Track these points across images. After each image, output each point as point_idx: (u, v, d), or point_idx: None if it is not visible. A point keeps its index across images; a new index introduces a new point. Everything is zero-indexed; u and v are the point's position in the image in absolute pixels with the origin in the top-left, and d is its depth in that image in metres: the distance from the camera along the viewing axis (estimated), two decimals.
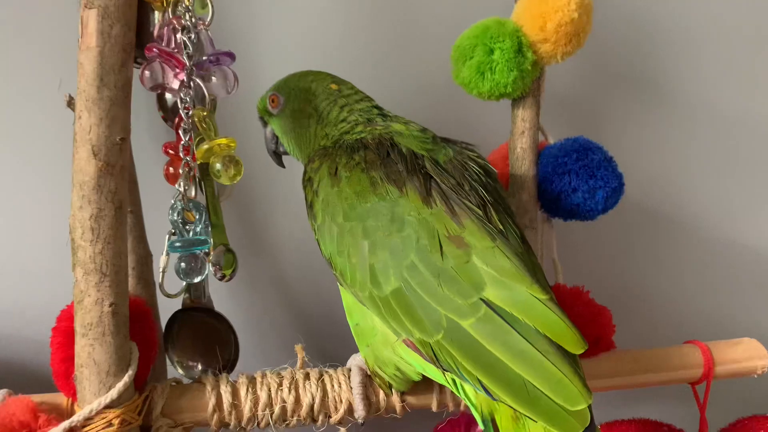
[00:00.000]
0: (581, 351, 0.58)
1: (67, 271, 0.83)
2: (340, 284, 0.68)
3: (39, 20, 0.89)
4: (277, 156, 0.82)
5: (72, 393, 0.67)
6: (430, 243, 0.61)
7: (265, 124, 0.80)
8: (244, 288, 0.90)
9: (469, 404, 0.63)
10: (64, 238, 0.85)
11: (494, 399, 0.59)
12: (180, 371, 0.75)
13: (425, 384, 0.72)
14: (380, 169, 0.66)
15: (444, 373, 0.63)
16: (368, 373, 0.73)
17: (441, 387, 0.74)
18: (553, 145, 0.89)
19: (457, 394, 0.64)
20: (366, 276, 0.63)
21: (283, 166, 0.82)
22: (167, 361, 0.78)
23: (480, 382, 0.59)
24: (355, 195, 0.65)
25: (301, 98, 0.75)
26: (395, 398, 0.73)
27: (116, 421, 0.64)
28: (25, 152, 0.87)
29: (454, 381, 0.63)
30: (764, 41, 1.05)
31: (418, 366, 0.65)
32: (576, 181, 0.85)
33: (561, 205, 0.86)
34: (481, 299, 0.59)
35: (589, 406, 0.57)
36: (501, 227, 0.65)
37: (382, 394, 0.73)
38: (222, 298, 0.80)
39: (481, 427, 0.62)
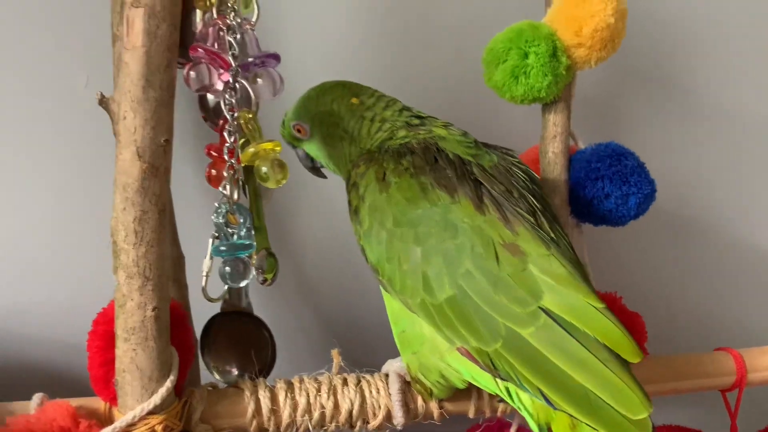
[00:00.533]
0: (638, 360, 0.58)
1: (98, 273, 0.82)
2: (386, 291, 0.67)
3: (65, 18, 0.87)
4: (316, 170, 0.81)
5: (111, 398, 0.66)
6: (486, 250, 0.61)
7: (293, 146, 0.80)
8: (275, 294, 0.90)
9: (524, 413, 0.63)
10: (96, 239, 0.84)
11: (555, 408, 0.59)
12: (216, 376, 0.74)
13: (463, 390, 0.71)
14: (430, 175, 0.65)
15: (497, 382, 0.63)
16: (407, 379, 0.72)
17: (479, 393, 0.74)
18: (585, 150, 0.89)
19: (511, 403, 0.64)
20: (418, 283, 0.63)
21: (326, 177, 0.82)
22: (201, 365, 0.77)
23: (540, 391, 0.58)
24: (406, 201, 0.64)
25: (326, 123, 0.74)
26: (433, 404, 0.73)
27: (159, 428, 0.63)
28: (60, 152, 0.86)
29: (507, 389, 0.63)
30: None
31: (467, 374, 0.65)
32: (609, 186, 0.84)
33: (593, 210, 0.86)
34: (539, 308, 0.59)
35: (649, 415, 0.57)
36: (552, 235, 0.65)
37: (420, 401, 0.73)
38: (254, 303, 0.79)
39: None
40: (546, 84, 0.83)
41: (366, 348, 0.91)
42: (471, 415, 0.74)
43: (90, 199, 0.87)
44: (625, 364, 0.58)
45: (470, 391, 0.73)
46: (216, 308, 0.78)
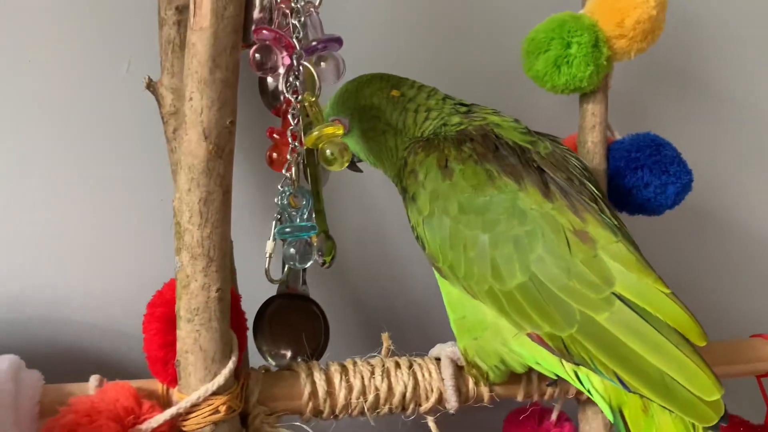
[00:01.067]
0: (704, 344, 0.60)
1: (131, 261, 0.82)
2: (445, 278, 0.68)
3: (105, 2, 0.87)
4: (352, 164, 0.81)
5: (170, 380, 0.66)
6: (557, 237, 0.62)
7: None
8: (322, 277, 0.90)
9: (596, 396, 0.64)
10: (141, 226, 0.84)
11: (630, 391, 0.60)
12: (269, 360, 0.74)
13: (514, 374, 0.72)
14: (494, 162, 0.66)
15: (564, 366, 0.64)
16: (459, 363, 0.73)
17: (529, 377, 0.75)
18: (623, 140, 0.90)
19: (580, 388, 0.65)
20: (486, 270, 0.63)
21: (362, 171, 0.82)
22: (250, 349, 0.77)
23: (616, 374, 0.60)
24: (472, 188, 0.65)
25: (367, 117, 0.74)
26: (484, 388, 0.73)
27: (223, 408, 0.63)
28: (97, 135, 0.86)
29: (576, 374, 0.64)
30: None
31: (531, 359, 0.66)
32: (649, 176, 0.86)
33: (632, 199, 0.87)
34: (612, 293, 0.60)
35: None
36: (615, 222, 0.66)
37: (471, 384, 0.73)
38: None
39: (609, 418, 0.63)
40: (588, 74, 0.84)
41: (408, 333, 0.92)
42: (520, 398, 0.75)
43: (130, 187, 0.86)
44: (694, 347, 0.60)
45: (521, 375, 0.74)
46: (258, 294, 0.78)
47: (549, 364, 0.65)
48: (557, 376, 0.67)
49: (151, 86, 0.76)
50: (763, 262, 1.10)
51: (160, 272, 0.72)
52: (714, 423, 0.58)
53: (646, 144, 0.87)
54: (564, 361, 0.64)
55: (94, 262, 0.87)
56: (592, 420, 0.81)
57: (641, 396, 0.60)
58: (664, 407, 0.59)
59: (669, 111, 1.08)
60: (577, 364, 0.63)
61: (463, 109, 0.76)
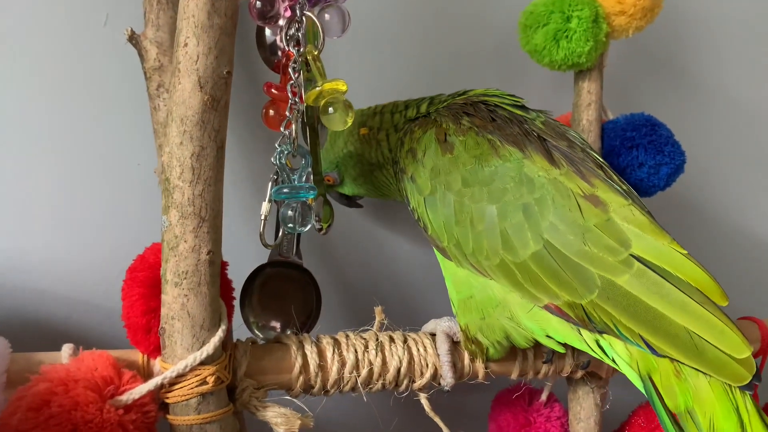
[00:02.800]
0: (726, 303, 0.58)
1: (100, 226, 0.76)
2: (450, 258, 0.65)
3: None
4: (353, 202, 0.83)
5: (152, 349, 0.61)
6: (568, 203, 0.60)
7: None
8: (314, 246, 0.86)
9: (622, 365, 0.61)
10: (117, 191, 0.78)
11: (658, 355, 0.58)
12: (255, 332, 0.70)
13: (509, 351, 0.70)
14: (495, 132, 0.64)
15: (582, 337, 0.61)
16: (455, 339, 0.70)
17: (525, 355, 0.72)
18: (618, 120, 0.89)
19: (602, 358, 0.62)
20: (497, 242, 0.61)
21: (362, 206, 0.84)
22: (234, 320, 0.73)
23: (642, 339, 0.58)
24: (475, 159, 0.63)
25: (349, 165, 0.76)
26: (479, 365, 0.71)
27: (211, 379, 0.59)
28: (74, 93, 0.79)
29: (598, 343, 0.62)
30: None
31: (541, 332, 0.63)
32: (644, 155, 0.85)
33: (625, 179, 0.86)
34: (630, 255, 0.58)
35: None
36: (624, 187, 0.64)
37: (467, 360, 0.71)
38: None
39: (638, 387, 0.61)
40: (587, 49, 0.82)
41: (405, 308, 0.89)
42: (514, 376, 0.73)
43: (106, 149, 0.81)
44: (718, 306, 0.58)
45: (516, 352, 0.72)
46: (243, 263, 0.74)
47: (563, 336, 0.63)
48: (572, 349, 0.64)
49: (134, 39, 0.71)
50: (748, 250, 1.11)
51: (136, 240, 0.67)
52: (747, 381, 0.57)
53: (641, 123, 0.86)
54: (583, 332, 0.61)
55: (64, 228, 0.81)
56: (582, 400, 0.80)
57: (671, 359, 0.58)
58: (695, 369, 0.57)
59: (654, 98, 1.07)
60: (600, 332, 0.61)
61: (427, 99, 0.75)
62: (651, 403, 0.61)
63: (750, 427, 0.57)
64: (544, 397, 0.81)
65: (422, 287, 0.91)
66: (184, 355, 0.58)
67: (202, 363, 0.58)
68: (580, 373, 0.76)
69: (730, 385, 0.57)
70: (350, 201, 0.82)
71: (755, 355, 0.83)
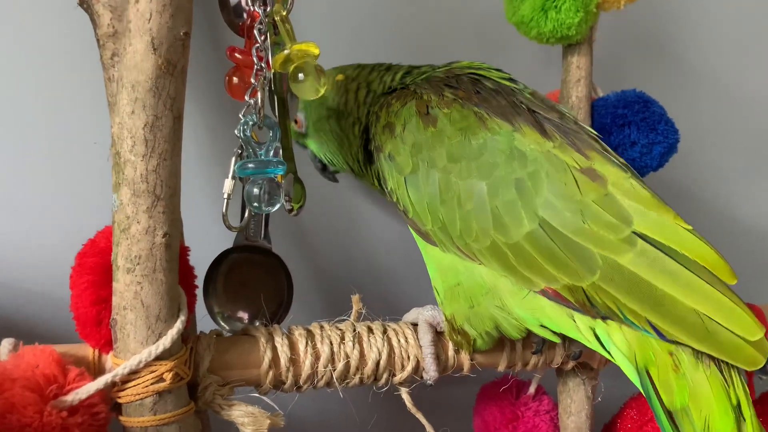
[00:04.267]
0: (734, 282, 0.54)
1: (54, 206, 0.70)
2: (434, 243, 0.60)
3: None
4: (327, 172, 0.77)
5: (103, 343, 0.55)
6: (563, 177, 0.55)
7: (304, 146, 0.75)
8: (284, 230, 0.80)
9: (618, 356, 0.57)
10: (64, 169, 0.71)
11: (667, 340, 0.53)
12: (221, 323, 0.64)
13: (497, 342, 0.65)
14: (481, 105, 0.59)
15: (578, 325, 0.56)
16: (439, 329, 0.65)
17: (513, 345, 0.68)
18: (608, 97, 0.84)
19: (597, 349, 0.58)
20: (487, 222, 0.56)
21: (337, 181, 0.78)
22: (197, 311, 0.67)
23: (650, 323, 0.53)
24: (461, 132, 0.57)
25: (315, 107, 0.70)
26: (465, 357, 0.66)
27: (168, 376, 0.53)
28: (22, 63, 0.72)
29: (595, 333, 0.57)
30: None
31: (535, 321, 0.58)
32: (636, 134, 0.80)
33: None
34: (633, 232, 0.54)
35: None
36: (622, 159, 0.59)
37: (451, 352, 0.66)
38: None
39: (633, 380, 0.56)
40: (577, 21, 0.77)
41: (384, 296, 0.84)
42: (502, 368, 0.68)
43: (57, 126, 0.74)
44: (727, 285, 0.54)
45: (504, 343, 0.67)
46: (208, 249, 0.68)
47: (557, 324, 0.58)
48: (565, 338, 0.59)
49: (85, 3, 0.64)
50: (736, 235, 1.08)
51: (93, 224, 0.61)
52: (762, 365, 0.52)
53: (633, 100, 0.82)
54: (577, 320, 0.57)
55: (12, 212, 0.74)
56: (573, 392, 0.75)
57: (678, 344, 0.54)
58: (702, 359, 0.53)
59: (642, 76, 1.03)
60: (604, 318, 0.56)
61: (405, 67, 0.71)
62: (647, 399, 0.56)
63: (750, 427, 0.53)
64: (532, 389, 0.77)
65: (404, 272, 0.85)
66: (137, 350, 0.52)
67: (158, 358, 0.52)
68: (571, 364, 0.71)
69: (729, 381, 0.53)
70: (324, 167, 0.76)
71: None
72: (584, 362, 0.73)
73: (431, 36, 0.90)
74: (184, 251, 0.61)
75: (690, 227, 0.56)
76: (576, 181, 0.55)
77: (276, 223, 0.69)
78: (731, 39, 1.04)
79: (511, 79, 0.67)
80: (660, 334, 0.53)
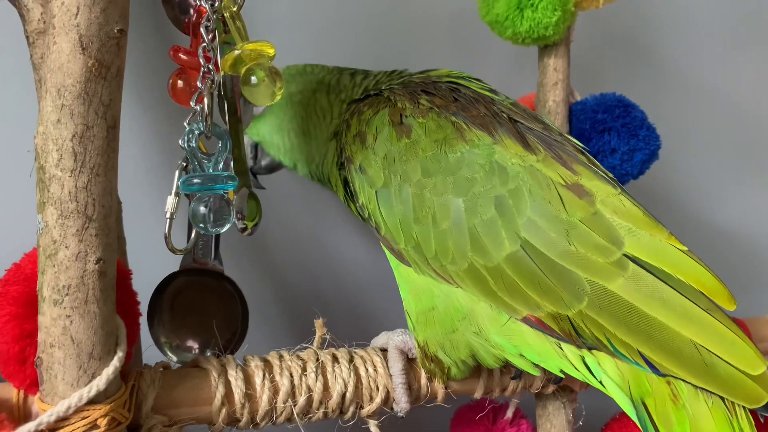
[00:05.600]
0: (734, 308, 0.50)
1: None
2: (407, 262, 0.55)
3: None
4: (260, 168, 0.70)
5: (28, 383, 0.49)
6: (547, 194, 0.50)
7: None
8: (240, 250, 0.73)
9: (611, 388, 0.52)
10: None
11: (661, 374, 0.49)
12: (169, 354, 0.57)
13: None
14: (459, 113, 0.54)
15: (565, 354, 0.51)
16: (410, 355, 0.60)
17: (489, 372, 0.63)
18: (586, 101, 0.80)
19: (589, 380, 0.53)
20: (465, 242, 0.51)
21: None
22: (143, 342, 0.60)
23: (642, 355, 0.48)
24: (437, 144, 0.52)
25: (296, 82, 0.65)
26: (439, 385, 0.61)
27: (103, 422, 0.46)
28: None
29: (584, 362, 0.52)
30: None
31: (514, 350, 0.53)
32: (617, 140, 0.76)
33: None
34: (624, 255, 0.49)
35: None
36: (610, 174, 0.55)
37: (423, 380, 0.60)
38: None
39: (629, 413, 0.51)
40: (555, 20, 0.73)
41: (352, 318, 0.78)
42: (478, 395, 0.63)
43: None
44: (725, 312, 0.50)
45: (480, 369, 0.62)
46: (155, 271, 0.61)
47: (539, 356, 0.53)
48: (561, 372, 0.54)
49: None
50: (713, 241, 1.05)
51: (19, 245, 0.54)
52: (765, 402, 0.48)
53: (613, 104, 0.78)
54: (565, 348, 0.52)
55: None
56: (553, 416, 0.71)
57: (674, 378, 0.49)
58: (703, 390, 0.48)
59: (620, 78, 1.00)
60: (590, 349, 0.51)
61: (403, 71, 0.66)
62: None
63: None
64: (509, 414, 0.72)
65: (373, 292, 0.80)
66: (66, 393, 0.46)
67: (92, 402, 0.46)
68: (551, 388, 0.67)
69: (732, 413, 0.48)
70: (261, 165, 0.69)
71: None
72: (565, 385, 0.68)
73: (400, 35, 0.86)
74: (126, 275, 0.54)
75: (685, 248, 0.51)
76: (561, 199, 0.50)
77: (230, 240, 0.62)
78: (712, 40, 1.01)
79: (491, 90, 0.62)
80: (653, 368, 0.49)
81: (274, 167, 0.69)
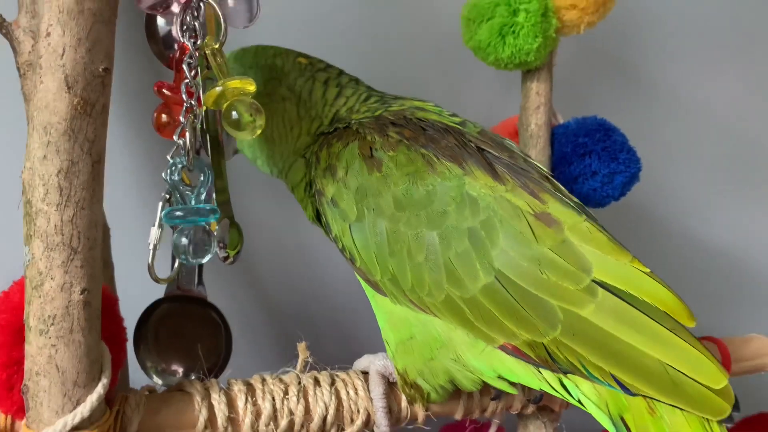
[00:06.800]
0: (693, 324, 0.52)
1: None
2: (384, 293, 0.56)
3: None
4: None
5: (15, 409, 0.50)
6: (518, 224, 0.52)
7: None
8: (225, 276, 0.75)
9: (590, 406, 0.54)
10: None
11: (632, 394, 0.50)
12: (154, 378, 0.59)
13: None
14: (429, 145, 0.55)
15: (543, 377, 0.53)
16: (391, 379, 0.61)
17: (469, 394, 0.64)
18: (568, 124, 0.82)
19: (566, 399, 0.55)
20: (440, 275, 0.52)
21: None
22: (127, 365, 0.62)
23: (614, 377, 0.50)
24: (408, 178, 0.54)
25: (264, 78, 0.62)
26: (419, 407, 0.62)
27: None
28: None
29: (562, 384, 0.54)
30: (757, 39, 1.03)
31: (492, 374, 0.55)
32: (597, 163, 0.78)
33: (576, 188, 0.79)
34: (593, 281, 0.51)
35: None
36: (575, 199, 0.56)
37: (404, 403, 0.62)
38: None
39: (611, 430, 0.53)
40: (536, 46, 0.75)
41: (336, 341, 0.79)
42: (458, 416, 0.65)
43: None
44: (688, 330, 0.52)
45: (459, 391, 0.63)
46: (143, 296, 0.63)
47: (518, 376, 0.55)
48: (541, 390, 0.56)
49: (4, 28, 0.59)
50: (697, 259, 1.06)
51: (8, 272, 0.55)
52: (727, 414, 0.50)
53: (594, 128, 0.79)
54: (544, 372, 0.53)
55: None
56: None
57: (645, 397, 0.51)
58: (673, 406, 0.51)
59: (604, 99, 1.01)
60: (565, 373, 0.52)
61: (377, 93, 0.66)
62: None
63: None
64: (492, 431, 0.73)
65: (358, 311, 0.81)
66: (52, 420, 0.47)
67: (76, 428, 0.47)
68: (531, 409, 0.68)
69: (708, 419, 0.51)
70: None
71: None
72: (545, 405, 0.70)
73: (387, 57, 0.87)
74: (113, 302, 0.56)
75: (647, 270, 0.53)
76: (531, 228, 0.52)
77: (215, 263, 0.64)
78: (694, 59, 1.02)
79: (461, 123, 0.63)
80: (625, 389, 0.51)
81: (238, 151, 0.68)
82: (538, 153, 0.79)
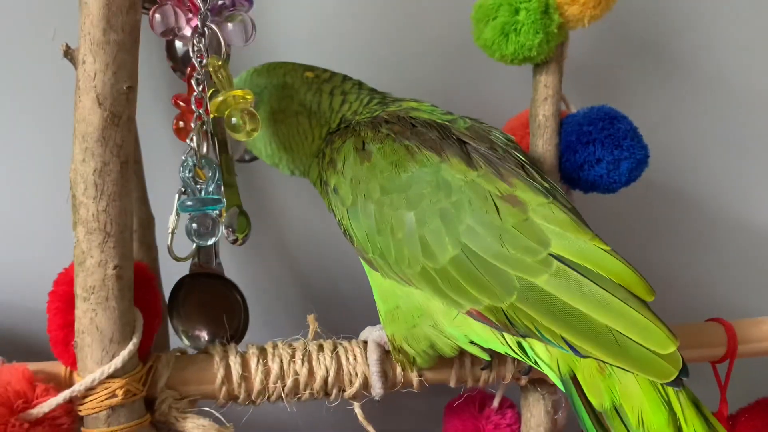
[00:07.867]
0: (652, 298, 0.57)
1: (66, 232, 0.78)
2: (376, 269, 0.65)
3: None
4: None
5: (71, 362, 0.62)
6: (485, 204, 0.59)
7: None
8: (250, 256, 0.86)
9: (544, 367, 0.61)
10: (63, 194, 0.80)
11: (581, 356, 0.57)
12: (185, 341, 0.70)
13: (445, 359, 0.68)
14: (413, 138, 0.63)
15: (505, 340, 0.61)
16: (387, 348, 0.69)
17: (461, 362, 0.71)
18: (577, 113, 0.85)
19: (525, 361, 0.62)
20: (416, 249, 0.60)
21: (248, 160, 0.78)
22: (170, 331, 0.74)
23: (564, 339, 0.56)
24: (392, 166, 0.61)
25: (278, 97, 0.70)
26: (412, 374, 0.69)
27: (120, 392, 0.59)
28: (21, 104, 0.82)
29: (520, 345, 0.61)
30: None
31: (464, 339, 0.62)
32: (601, 151, 0.81)
33: (583, 176, 0.82)
34: (549, 254, 0.57)
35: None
36: (546, 185, 0.62)
37: (399, 369, 0.70)
38: (226, 265, 0.75)
39: (561, 388, 0.60)
40: (537, 42, 0.79)
41: (344, 315, 0.88)
42: (452, 384, 0.71)
43: (54, 156, 0.82)
44: (642, 301, 0.57)
45: (452, 360, 0.70)
46: (186, 271, 0.74)
47: (485, 341, 0.62)
48: (500, 354, 0.63)
49: (69, 54, 0.72)
50: (725, 241, 1.05)
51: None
52: (673, 377, 0.55)
53: (599, 117, 0.82)
54: (506, 336, 0.60)
55: (12, 236, 0.83)
56: (533, 407, 0.77)
57: (595, 359, 0.57)
58: (618, 367, 0.56)
59: (637, 86, 1.02)
60: (523, 336, 0.59)
61: (378, 96, 0.73)
62: (571, 404, 0.60)
63: (684, 419, 0.56)
64: (495, 403, 0.79)
65: (364, 290, 0.90)
66: (93, 369, 0.59)
67: (112, 376, 0.59)
68: (524, 380, 0.74)
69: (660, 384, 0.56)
70: (243, 156, 0.75)
71: (721, 359, 0.79)
72: (541, 378, 0.75)
73: (417, 56, 0.93)
74: (150, 278, 0.67)
75: (608, 247, 0.58)
76: (497, 208, 0.58)
77: (241, 249, 0.74)
78: (728, 38, 1.01)
79: (452, 120, 0.70)
80: (575, 350, 0.56)
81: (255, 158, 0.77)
82: (545, 142, 0.83)
